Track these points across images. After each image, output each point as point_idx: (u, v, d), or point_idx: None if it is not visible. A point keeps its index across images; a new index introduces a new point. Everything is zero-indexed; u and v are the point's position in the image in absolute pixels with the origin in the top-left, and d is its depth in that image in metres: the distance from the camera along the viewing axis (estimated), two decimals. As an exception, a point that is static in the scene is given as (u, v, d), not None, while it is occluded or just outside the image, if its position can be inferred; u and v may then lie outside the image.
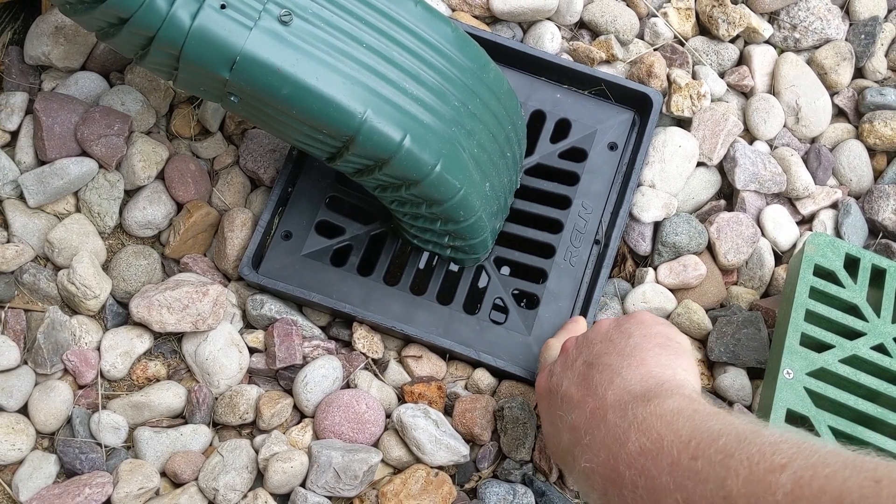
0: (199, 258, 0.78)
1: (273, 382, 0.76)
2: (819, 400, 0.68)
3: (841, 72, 0.88)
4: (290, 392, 0.74)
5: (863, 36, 0.89)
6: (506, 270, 0.82)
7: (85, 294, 0.74)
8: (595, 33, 0.89)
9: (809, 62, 0.89)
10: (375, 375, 0.76)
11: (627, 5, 0.90)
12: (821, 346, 0.70)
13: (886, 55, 0.91)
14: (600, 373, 0.57)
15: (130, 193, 0.79)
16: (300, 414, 0.74)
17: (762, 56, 0.88)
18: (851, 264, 0.74)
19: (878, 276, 0.74)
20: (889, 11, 0.92)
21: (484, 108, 0.70)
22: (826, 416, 0.67)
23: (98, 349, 0.74)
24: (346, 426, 0.72)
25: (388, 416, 0.74)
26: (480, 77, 0.69)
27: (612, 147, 0.82)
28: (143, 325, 0.74)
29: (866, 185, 0.86)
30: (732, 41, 0.89)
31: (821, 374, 0.69)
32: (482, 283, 0.81)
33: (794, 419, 0.67)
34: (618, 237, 0.79)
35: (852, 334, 0.71)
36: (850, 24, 0.91)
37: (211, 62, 0.61)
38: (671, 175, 0.82)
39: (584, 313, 0.77)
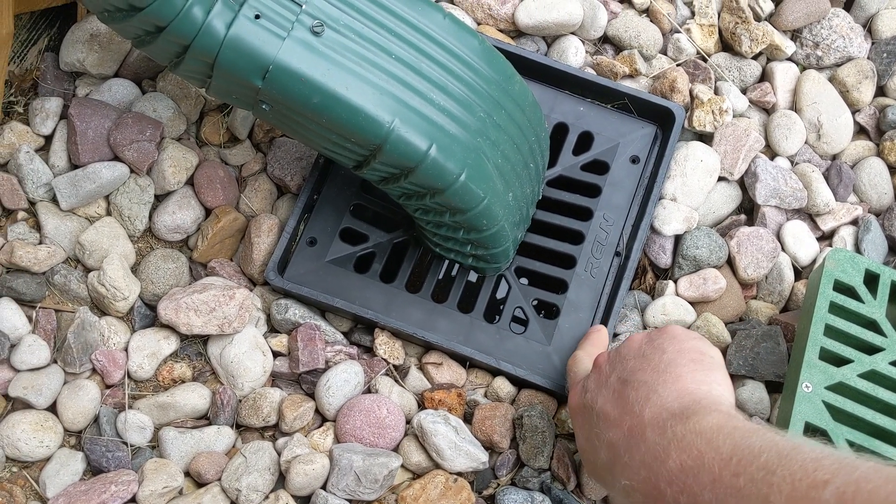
0: (225, 262, 0.80)
1: (296, 386, 0.77)
2: (837, 414, 0.68)
3: (863, 90, 0.88)
4: (312, 396, 0.76)
5: (885, 55, 0.90)
6: (526, 280, 0.82)
7: (114, 295, 0.75)
8: (618, 48, 0.90)
9: (831, 80, 0.89)
10: (396, 381, 0.77)
11: (651, 21, 0.91)
12: (840, 361, 0.71)
13: (908, 74, 0.91)
14: (636, 390, 0.57)
15: (160, 198, 0.81)
16: (322, 417, 0.75)
17: (784, 73, 0.89)
18: (871, 280, 0.74)
19: (897, 293, 0.74)
20: (911, 31, 0.93)
21: (509, 119, 0.71)
22: (844, 429, 0.67)
23: (126, 350, 0.75)
24: (366, 430, 0.73)
25: (409, 421, 0.75)
26: (506, 89, 0.71)
27: (635, 160, 0.83)
28: (169, 327, 0.76)
29: (887, 203, 0.86)
30: (755, 58, 0.90)
31: (839, 389, 0.69)
32: (503, 292, 0.82)
33: (812, 432, 0.67)
34: (639, 249, 0.79)
35: (871, 349, 0.71)
36: (873, 43, 0.91)
37: (244, 71, 0.62)
38: (692, 189, 0.82)
39: (604, 324, 0.77)
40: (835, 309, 0.72)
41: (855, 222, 0.85)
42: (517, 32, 0.90)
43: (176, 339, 0.76)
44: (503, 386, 0.77)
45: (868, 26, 0.92)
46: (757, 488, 0.43)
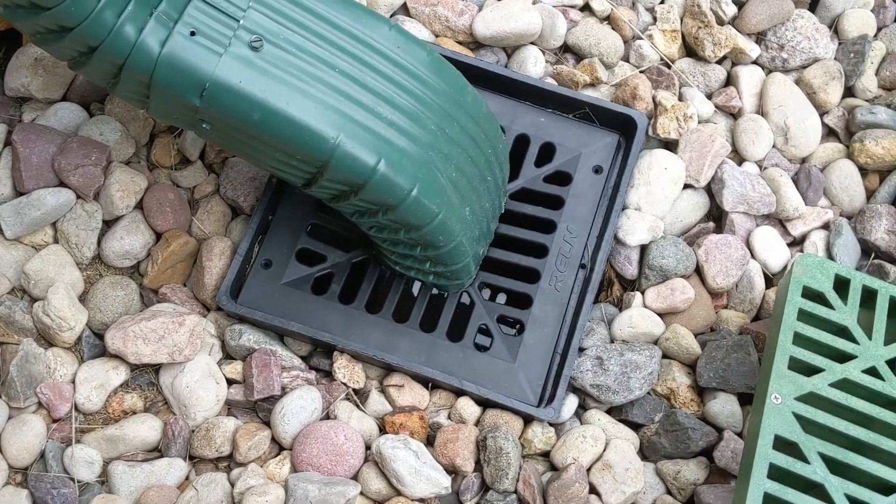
0: (177, 288, 0.77)
1: (252, 414, 0.74)
2: (808, 425, 0.65)
3: (830, 91, 0.86)
4: (268, 424, 0.73)
5: (852, 55, 0.88)
6: (490, 296, 0.80)
7: (60, 326, 0.73)
8: (579, 57, 0.88)
9: (798, 82, 0.88)
10: (356, 406, 0.74)
11: (612, 28, 0.89)
12: (810, 370, 0.68)
13: (877, 73, 0.89)
14: None
15: (109, 224, 0.79)
16: (279, 446, 0.73)
17: (749, 77, 0.87)
18: (841, 285, 0.72)
19: (869, 298, 0.72)
20: (878, 30, 0.91)
21: (462, 132, 0.69)
22: (816, 442, 0.65)
23: (73, 382, 0.73)
24: (324, 458, 0.70)
25: (369, 447, 0.72)
26: (458, 101, 0.69)
27: (598, 170, 0.81)
28: (119, 357, 0.73)
29: (858, 205, 0.84)
30: (719, 62, 0.88)
31: (810, 399, 0.67)
32: (466, 309, 0.79)
33: (783, 445, 0.64)
34: (603, 261, 0.77)
35: (843, 357, 0.69)
36: (839, 44, 0.89)
37: (181, 89, 0.60)
38: (657, 198, 0.80)
39: (569, 339, 0.75)
40: (804, 316, 0.70)
41: (826, 226, 0.83)
42: (476, 44, 0.88)
43: (126, 370, 0.74)
44: (466, 406, 0.74)
45: (834, 27, 0.90)
46: None
